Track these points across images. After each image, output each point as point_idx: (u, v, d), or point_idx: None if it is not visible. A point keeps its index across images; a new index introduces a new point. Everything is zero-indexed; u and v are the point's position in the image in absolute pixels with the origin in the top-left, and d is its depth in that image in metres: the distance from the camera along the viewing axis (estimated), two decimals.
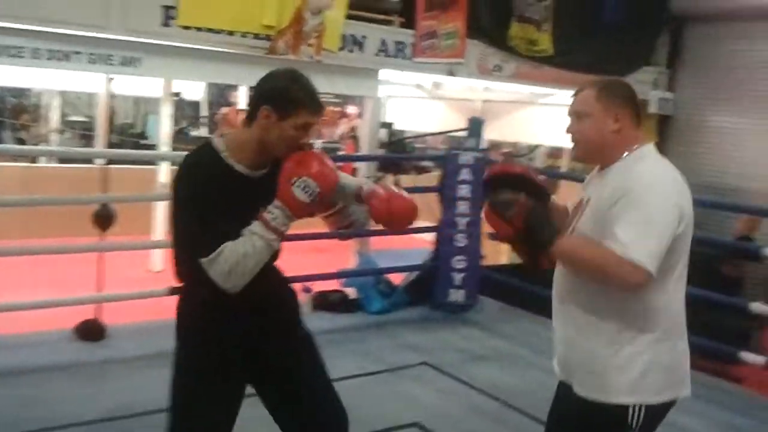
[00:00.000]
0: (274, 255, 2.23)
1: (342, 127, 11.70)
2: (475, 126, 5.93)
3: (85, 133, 11.08)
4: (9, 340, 4.40)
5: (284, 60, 4.93)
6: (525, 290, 5.52)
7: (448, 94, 9.22)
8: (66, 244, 5.38)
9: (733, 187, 6.49)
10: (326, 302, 5.50)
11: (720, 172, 6.64)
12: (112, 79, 5.30)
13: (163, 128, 7.15)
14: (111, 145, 8.69)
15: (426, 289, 5.77)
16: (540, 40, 6.55)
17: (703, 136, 7.14)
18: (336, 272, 5.65)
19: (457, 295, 5.68)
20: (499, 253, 8.07)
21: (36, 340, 4.47)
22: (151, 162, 7.49)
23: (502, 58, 6.45)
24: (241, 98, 9.64)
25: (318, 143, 9.53)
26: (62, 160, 9.34)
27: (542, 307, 5.57)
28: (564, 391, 2.18)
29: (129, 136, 12.06)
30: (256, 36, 5.02)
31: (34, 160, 9.40)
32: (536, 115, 9.03)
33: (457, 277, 5.65)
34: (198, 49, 4.93)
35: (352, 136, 10.64)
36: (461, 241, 5.66)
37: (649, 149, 2.09)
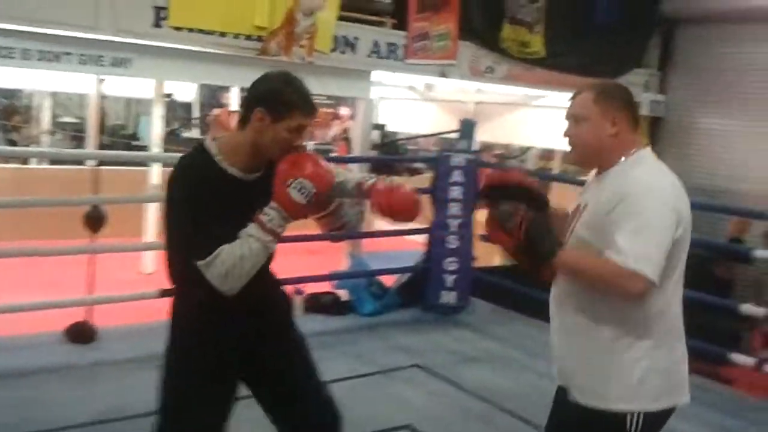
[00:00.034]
0: (270, 257, 2.22)
1: (334, 129, 11.70)
2: (467, 128, 5.93)
3: (76, 134, 11.04)
4: None
5: (276, 61, 4.93)
6: (517, 292, 5.53)
7: (441, 96, 9.22)
8: (56, 246, 5.35)
9: (723, 189, 6.52)
10: (318, 304, 5.49)
11: (710, 174, 6.67)
12: (102, 80, 5.29)
13: (154, 130, 7.12)
14: (102, 147, 8.66)
15: (418, 291, 5.76)
16: (532, 42, 6.56)
17: (694, 138, 7.18)
18: (328, 274, 5.64)
19: (448, 297, 5.67)
20: (491, 255, 8.08)
21: (26, 342, 4.44)
22: (142, 163, 7.46)
23: (494, 59, 6.46)
24: (233, 100, 9.61)
25: (310, 145, 9.52)
26: (53, 162, 9.30)
27: (534, 309, 5.61)
28: (563, 396, 2.17)
29: (121, 138, 12.03)
30: (248, 37, 5.01)
31: (25, 161, 9.36)
32: (528, 117, 9.04)
33: (449, 279, 5.65)
34: (189, 50, 4.92)
35: (345, 138, 10.64)
36: (453, 242, 5.66)
37: (646, 153, 2.08)
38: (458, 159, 5.64)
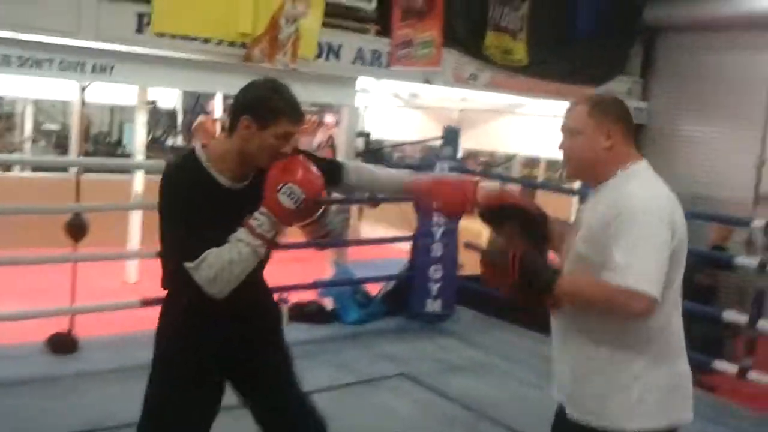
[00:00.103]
0: (262, 264, 2.23)
1: (319, 136, 11.67)
2: (451, 135, 5.94)
3: (59, 141, 10.96)
4: None
5: (259, 68, 4.91)
6: (502, 300, 5.50)
7: (425, 104, 9.24)
8: (38, 255, 5.30)
9: (705, 196, 6.56)
10: (302, 313, 5.46)
11: (692, 181, 6.71)
12: (85, 87, 5.25)
13: (138, 137, 7.08)
14: (86, 154, 8.60)
15: (403, 299, 5.75)
16: (515, 50, 6.59)
17: (676, 146, 7.23)
18: (312, 282, 5.62)
19: (433, 305, 5.67)
20: (477, 263, 8.09)
21: (6, 353, 4.38)
22: (126, 171, 7.42)
23: (477, 66, 6.48)
24: (217, 107, 9.58)
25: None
26: (36, 169, 9.23)
27: (519, 318, 5.60)
28: (562, 414, 2.13)
29: (105, 145, 11.95)
30: (231, 44, 4.99)
31: (8, 168, 9.27)
32: (512, 125, 9.09)
33: (434, 287, 5.65)
34: (172, 56, 4.89)
35: (330, 146, 10.62)
36: (437, 251, 5.66)
37: (641, 166, 2.06)
38: (442, 166, 5.65)
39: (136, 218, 7.00)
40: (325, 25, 5.38)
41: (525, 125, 8.83)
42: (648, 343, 1.98)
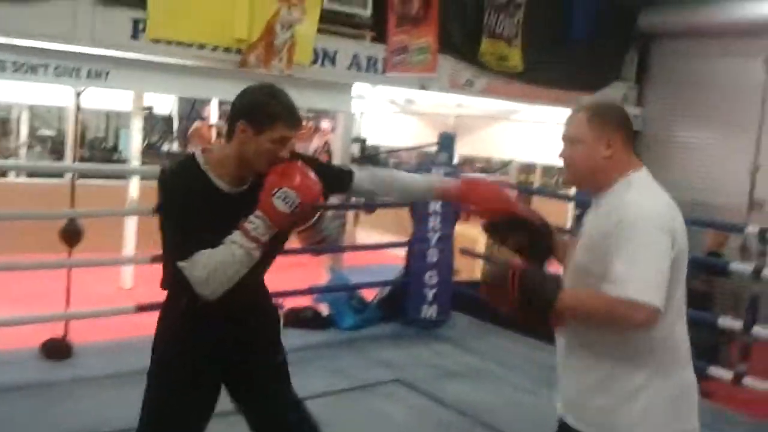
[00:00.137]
0: (263, 268, 2.25)
1: (316, 142, 11.68)
2: (446, 141, 5.95)
3: (55, 147, 10.94)
4: None
5: (255, 74, 4.92)
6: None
7: (421, 110, 9.25)
8: (33, 261, 5.28)
9: (700, 203, 6.57)
10: (298, 318, 5.45)
11: (687, 187, 6.72)
12: (80, 92, 5.24)
13: (133, 143, 7.07)
14: (82, 160, 8.59)
15: (398, 305, 5.75)
16: (510, 56, 6.60)
17: (671, 152, 7.25)
18: (308, 288, 5.61)
19: (429, 311, 5.66)
20: (473, 268, 8.09)
21: (0, 359, 4.37)
22: (121, 177, 7.41)
23: (473, 73, 6.50)
24: (213, 113, 9.58)
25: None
26: (32, 175, 9.21)
27: (515, 323, 5.60)
28: (566, 428, 2.10)
29: (101, 151, 11.94)
30: (227, 49, 5.00)
31: (3, 174, 9.26)
32: (508, 131, 9.10)
33: (429, 293, 5.64)
34: (167, 62, 4.89)
35: (326, 151, 10.62)
36: (433, 256, 5.66)
37: (641, 174, 2.04)
38: (438, 172, 5.64)
39: (131, 224, 6.98)
40: (320, 31, 5.39)
41: (521, 131, 8.84)
42: (650, 354, 1.96)
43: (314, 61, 5.44)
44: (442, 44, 6.11)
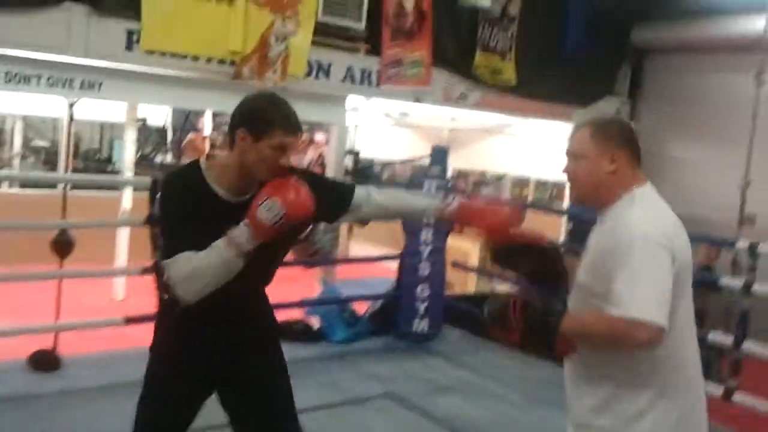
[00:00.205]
0: (260, 277, 2.26)
1: (310, 154, 11.69)
2: (439, 154, 5.95)
3: (48, 158, 10.92)
4: None
5: (249, 86, 4.92)
6: (483, 316, 5.50)
7: (415, 123, 9.28)
8: (23, 272, 5.26)
9: (692, 217, 6.57)
10: (289, 331, 5.42)
11: (678, 202, 6.70)
12: (73, 103, 5.24)
13: (126, 154, 7.06)
14: (76, 171, 8.55)
15: (390, 319, 5.73)
16: (504, 70, 6.63)
17: (663, 166, 7.25)
18: (299, 301, 5.59)
19: (420, 325, 5.64)
20: (466, 282, 8.08)
21: None
22: (114, 187, 7.39)
23: (467, 86, 6.52)
24: (207, 124, 9.58)
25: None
26: (24, 185, 9.19)
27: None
28: None
29: (95, 162, 11.92)
30: (221, 61, 5.00)
31: None
32: (502, 144, 9.12)
33: (421, 307, 5.63)
34: (161, 73, 4.90)
35: (321, 164, 10.63)
36: (425, 269, 5.64)
37: (645, 190, 2.04)
38: (429, 185, 5.65)
39: (124, 235, 6.96)
40: (314, 43, 5.41)
41: (515, 145, 8.87)
42: (654, 374, 1.93)
43: (308, 74, 5.45)
44: (436, 57, 6.14)
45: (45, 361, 4.43)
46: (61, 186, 6.32)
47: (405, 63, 5.98)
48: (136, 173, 7.30)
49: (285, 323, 5.47)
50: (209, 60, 4.96)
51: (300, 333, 5.47)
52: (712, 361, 5.54)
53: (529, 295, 2.03)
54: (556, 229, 7.76)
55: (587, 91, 7.24)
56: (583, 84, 7.14)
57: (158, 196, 2.19)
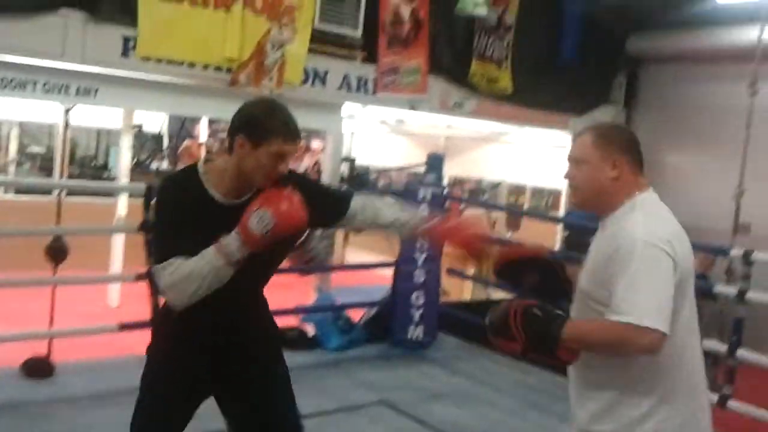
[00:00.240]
0: (258, 281, 2.28)
1: (306, 162, 11.69)
2: (434, 162, 5.95)
3: (44, 164, 10.90)
4: None
5: (246, 93, 4.93)
6: (485, 327, 5.50)
7: (412, 130, 9.30)
8: (17, 278, 5.25)
9: (686, 226, 6.59)
10: (283, 339, 5.40)
11: (673, 210, 6.74)
12: (69, 109, 5.24)
13: (122, 160, 7.06)
14: (71, 177, 8.55)
15: (385, 326, 5.72)
16: (500, 78, 6.66)
17: (658, 175, 7.26)
18: (294, 308, 5.58)
19: (416, 332, 5.64)
20: (461, 289, 8.08)
21: None
22: (109, 194, 7.38)
23: (463, 94, 6.54)
24: (203, 131, 9.58)
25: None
26: (19, 191, 9.16)
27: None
28: None
29: (91, 168, 11.90)
30: (218, 68, 5.01)
31: None
32: (498, 152, 9.13)
33: (416, 314, 5.62)
34: (157, 80, 4.90)
35: (317, 171, 10.63)
36: (420, 277, 5.64)
37: (647, 196, 2.04)
38: (425, 192, 5.65)
39: (119, 242, 6.95)
40: (311, 51, 5.42)
41: (511, 153, 8.89)
42: (656, 380, 1.93)
43: (305, 81, 5.47)
44: (433, 65, 6.16)
45: (39, 368, 4.40)
46: (56, 192, 6.32)
47: (401, 71, 6.00)
48: (132, 180, 7.29)
49: (279, 330, 5.46)
50: (206, 67, 4.97)
51: (295, 340, 5.45)
52: (707, 368, 5.55)
53: (528, 301, 2.01)
54: (551, 237, 7.77)
55: (583, 100, 7.28)
56: (578, 93, 7.18)
57: (153, 200, 2.18)
